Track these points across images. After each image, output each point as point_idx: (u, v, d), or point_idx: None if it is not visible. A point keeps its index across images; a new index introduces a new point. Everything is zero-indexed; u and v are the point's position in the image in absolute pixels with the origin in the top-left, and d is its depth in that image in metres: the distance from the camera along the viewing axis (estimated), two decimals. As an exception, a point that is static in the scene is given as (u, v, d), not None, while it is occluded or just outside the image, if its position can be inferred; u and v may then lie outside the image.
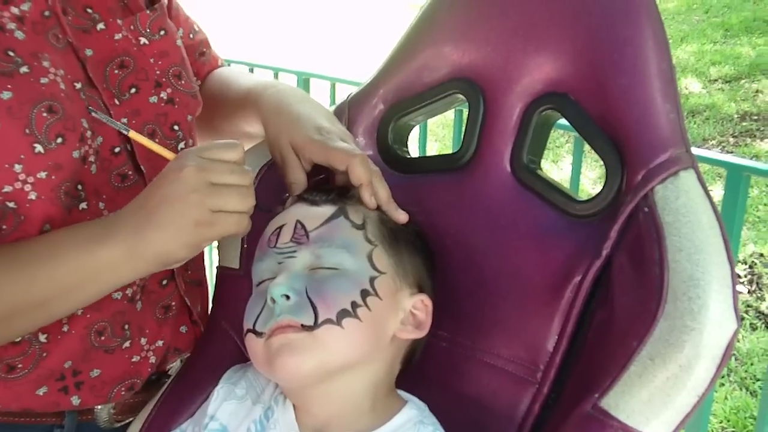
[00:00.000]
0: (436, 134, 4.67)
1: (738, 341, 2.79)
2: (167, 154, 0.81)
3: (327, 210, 0.81)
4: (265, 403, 0.83)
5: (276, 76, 2.52)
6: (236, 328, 0.92)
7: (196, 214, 0.73)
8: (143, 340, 0.94)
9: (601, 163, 0.81)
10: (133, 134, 0.82)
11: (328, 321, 0.74)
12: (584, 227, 0.81)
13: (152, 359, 0.95)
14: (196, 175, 0.74)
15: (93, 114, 0.82)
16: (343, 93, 1.04)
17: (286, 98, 0.94)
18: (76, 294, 0.79)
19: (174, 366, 1.00)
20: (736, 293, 0.69)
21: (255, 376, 0.87)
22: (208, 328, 1.00)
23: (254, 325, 0.77)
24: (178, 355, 1.00)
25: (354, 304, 0.75)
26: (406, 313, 0.81)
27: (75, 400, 0.90)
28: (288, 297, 0.75)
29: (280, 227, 0.81)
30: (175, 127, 0.96)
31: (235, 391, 0.86)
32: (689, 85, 5.22)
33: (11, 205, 0.80)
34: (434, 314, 0.83)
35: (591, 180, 3.84)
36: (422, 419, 0.78)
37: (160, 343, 0.96)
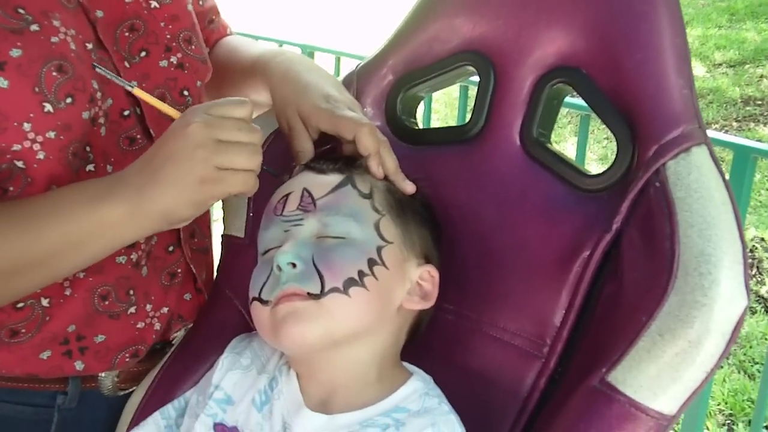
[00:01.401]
0: (439, 112, 4.64)
1: (737, 325, 2.80)
2: (173, 112, 0.80)
3: (334, 178, 0.81)
4: (269, 373, 0.83)
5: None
6: (240, 297, 0.93)
7: (201, 171, 0.72)
8: (148, 307, 0.94)
9: (604, 144, 0.82)
10: (137, 91, 0.81)
11: (334, 289, 0.74)
12: (594, 202, 0.81)
13: (157, 326, 0.95)
14: (202, 132, 0.72)
15: (97, 70, 0.80)
16: (348, 67, 1.04)
17: (294, 66, 0.93)
18: (78, 252, 0.77)
19: (178, 335, 1.00)
20: (747, 269, 0.68)
21: (260, 345, 0.87)
22: (212, 296, 1.00)
23: (260, 293, 0.77)
24: (182, 323, 1.00)
25: (361, 273, 0.75)
26: (413, 283, 0.81)
27: (79, 365, 0.90)
28: (294, 265, 0.75)
29: (287, 195, 0.81)
30: (185, 92, 0.96)
31: (240, 361, 0.86)
32: (693, 69, 5.19)
33: (20, 164, 0.79)
34: (441, 286, 0.82)
35: (592, 160, 3.82)
36: (428, 391, 0.78)
37: (165, 309, 0.96)
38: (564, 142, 4.27)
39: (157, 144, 0.76)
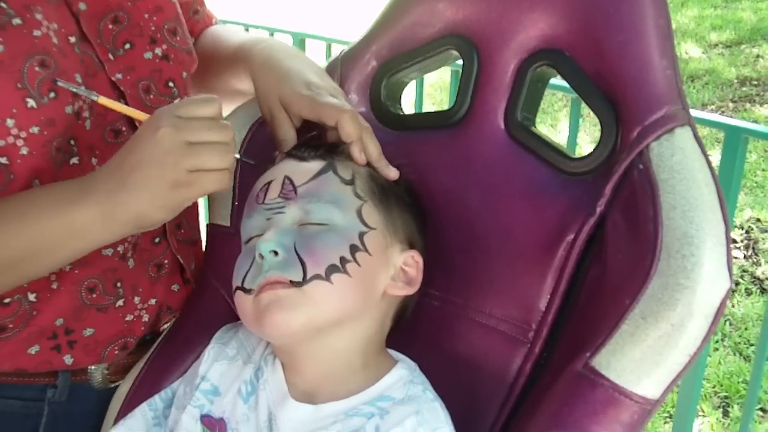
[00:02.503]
0: (434, 98, 4.63)
1: (732, 306, 2.80)
2: (140, 116, 0.80)
3: (315, 165, 0.81)
4: (255, 363, 0.83)
5: (271, 36, 2.49)
6: (227, 287, 0.90)
7: (172, 176, 0.72)
8: (136, 299, 0.93)
9: (600, 126, 0.80)
10: (103, 100, 0.80)
11: (316, 276, 0.74)
12: (579, 185, 0.81)
13: (145, 318, 0.95)
14: (171, 136, 0.72)
15: (59, 83, 0.79)
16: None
17: (276, 53, 0.93)
18: (49, 255, 0.77)
19: (167, 326, 1.00)
20: (729, 251, 0.68)
21: (246, 335, 0.87)
22: (198, 286, 1.00)
23: (243, 282, 0.77)
24: (171, 314, 0.99)
25: (343, 260, 0.75)
26: (397, 269, 0.80)
27: (68, 359, 0.89)
28: (276, 253, 0.75)
29: (268, 183, 0.81)
30: (170, 84, 0.95)
31: (226, 351, 0.86)
32: (689, 50, 5.18)
33: (3, 160, 0.79)
34: (426, 272, 0.82)
35: (588, 143, 3.81)
36: (412, 379, 0.78)
37: (152, 301, 0.95)
38: (559, 125, 4.27)
39: (127, 147, 0.75)
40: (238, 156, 0.80)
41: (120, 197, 0.73)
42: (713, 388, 2.46)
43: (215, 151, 0.73)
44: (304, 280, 0.74)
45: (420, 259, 0.82)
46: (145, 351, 0.96)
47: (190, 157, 0.72)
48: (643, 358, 0.67)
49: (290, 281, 0.74)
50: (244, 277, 0.77)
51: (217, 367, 0.85)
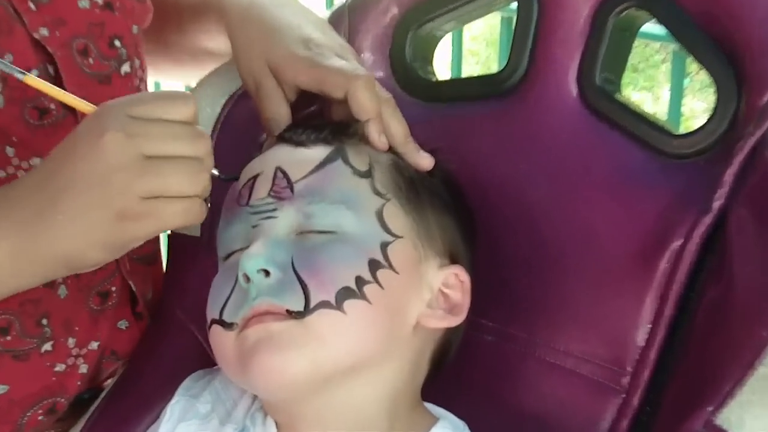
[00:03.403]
0: (478, 56, 4.62)
1: None
2: (84, 106, 0.77)
3: (318, 152, 0.79)
4: (238, 422, 0.82)
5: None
6: (198, 320, 0.90)
7: (120, 204, 0.69)
8: (71, 341, 0.92)
9: (714, 89, 0.80)
10: (31, 80, 0.77)
11: (323, 304, 0.72)
12: (685, 171, 0.80)
13: (83, 368, 0.94)
14: (122, 146, 0.69)
15: None
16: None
17: (260, 0, 0.93)
18: None
19: (113, 381, 0.99)
20: None
21: (224, 385, 0.86)
22: (157, 321, 1.00)
23: (221, 314, 0.76)
24: (118, 362, 0.99)
25: (360, 281, 0.73)
26: (434, 292, 0.79)
27: (-32, 430, 0.90)
28: (267, 273, 0.73)
29: (254, 177, 0.79)
30: (116, 43, 0.95)
31: (197, 408, 0.85)
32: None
33: None
34: (474, 295, 0.81)
35: (698, 114, 3.77)
36: (460, 443, 0.77)
37: (94, 345, 0.95)
38: (658, 89, 4.23)
39: (55, 157, 0.73)
40: (216, 173, 0.78)
41: (41, 230, 0.71)
42: None
43: (183, 170, 0.71)
44: (307, 310, 0.72)
45: (466, 278, 0.80)
46: (81, 415, 0.95)
47: (148, 177, 0.69)
48: (790, 413, 0.65)
49: (287, 311, 0.72)
50: (223, 306, 0.76)
51: (185, 428, 0.84)
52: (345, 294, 0.72)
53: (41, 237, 0.71)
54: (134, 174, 0.69)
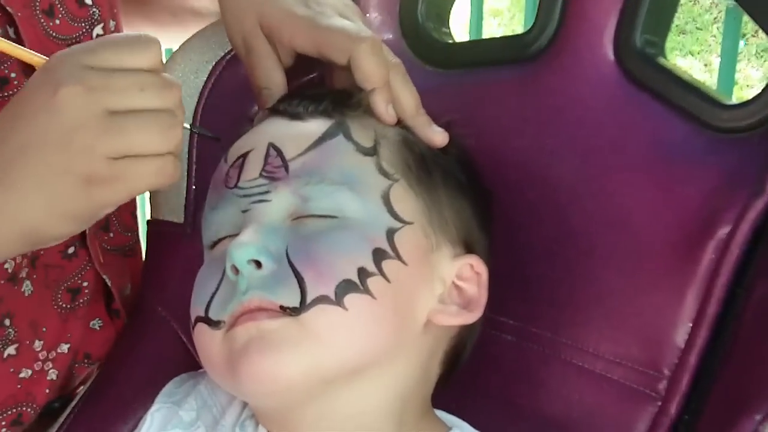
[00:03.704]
0: (500, 16, 4.62)
1: None
2: (36, 59, 0.76)
3: (317, 126, 0.79)
4: (226, 430, 0.83)
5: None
6: (180, 317, 0.92)
7: (83, 168, 0.68)
8: (37, 344, 0.93)
9: None
10: None
11: (321, 299, 0.72)
12: (736, 147, 0.80)
13: (52, 374, 0.95)
14: (81, 101, 0.67)
15: None
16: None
17: None
18: None
19: (86, 387, 1.00)
20: None
21: (210, 390, 0.86)
22: (135, 318, 1.00)
23: (207, 311, 0.75)
24: (91, 366, 1.00)
25: (363, 273, 0.73)
26: (447, 285, 0.79)
27: None
28: (259, 264, 0.73)
29: (244, 155, 0.79)
30: (87, 1, 0.94)
31: (180, 415, 0.85)
32: None
33: None
34: (492, 289, 0.80)
35: (754, 82, 3.74)
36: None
37: (64, 347, 0.95)
38: (708, 54, 4.20)
39: (7, 113, 0.71)
40: (189, 127, 0.77)
41: None
42: None
43: (153, 125, 0.70)
44: (303, 306, 0.71)
45: (484, 270, 0.80)
46: (51, 426, 0.96)
47: (113, 135, 0.68)
48: None
49: (281, 307, 0.72)
50: (209, 302, 0.75)
51: (167, 438, 0.86)
52: (346, 288, 0.72)
53: None
54: (97, 132, 0.68)
